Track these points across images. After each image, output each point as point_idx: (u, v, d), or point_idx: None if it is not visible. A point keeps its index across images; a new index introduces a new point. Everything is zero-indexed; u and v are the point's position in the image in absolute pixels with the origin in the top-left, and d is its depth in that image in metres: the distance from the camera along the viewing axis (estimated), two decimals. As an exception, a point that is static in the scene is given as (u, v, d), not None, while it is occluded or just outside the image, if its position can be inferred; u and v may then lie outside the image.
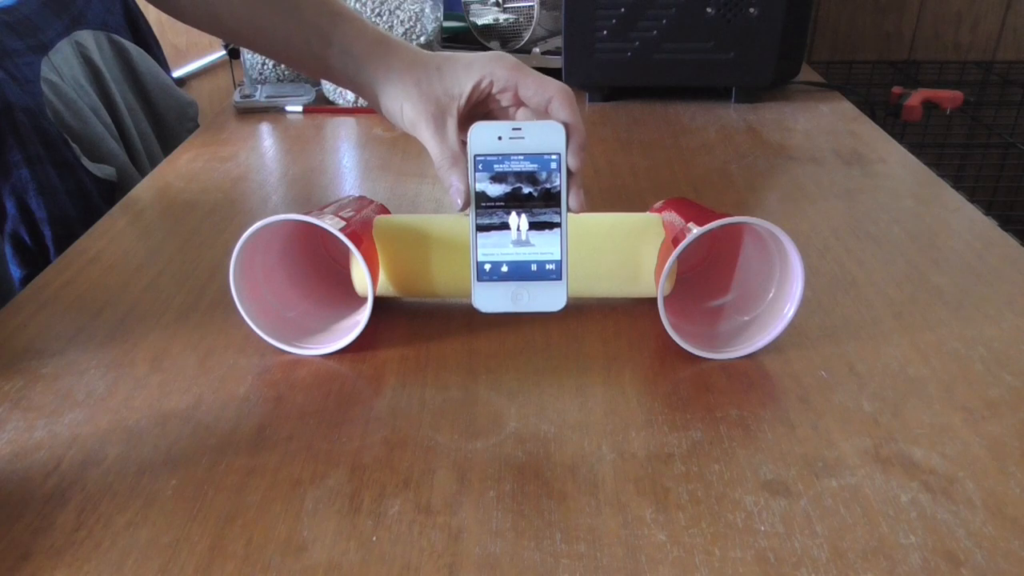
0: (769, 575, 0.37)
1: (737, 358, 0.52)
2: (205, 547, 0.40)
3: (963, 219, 0.71)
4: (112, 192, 0.94)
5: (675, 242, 0.51)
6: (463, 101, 0.53)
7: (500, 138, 0.50)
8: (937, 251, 0.66)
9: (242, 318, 0.53)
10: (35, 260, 0.88)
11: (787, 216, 0.73)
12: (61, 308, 0.61)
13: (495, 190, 0.50)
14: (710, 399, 0.49)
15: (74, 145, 0.90)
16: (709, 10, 0.99)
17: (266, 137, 0.98)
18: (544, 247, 0.50)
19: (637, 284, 0.56)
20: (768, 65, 1.02)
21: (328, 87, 1.08)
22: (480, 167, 0.50)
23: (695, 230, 0.50)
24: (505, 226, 0.50)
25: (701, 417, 0.48)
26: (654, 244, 0.56)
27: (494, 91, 0.54)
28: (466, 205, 0.51)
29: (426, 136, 0.54)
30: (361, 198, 0.64)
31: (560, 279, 0.51)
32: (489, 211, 0.50)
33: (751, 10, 0.98)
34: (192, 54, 1.55)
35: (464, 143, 0.52)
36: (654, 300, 0.53)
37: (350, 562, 0.39)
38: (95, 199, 0.89)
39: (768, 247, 0.54)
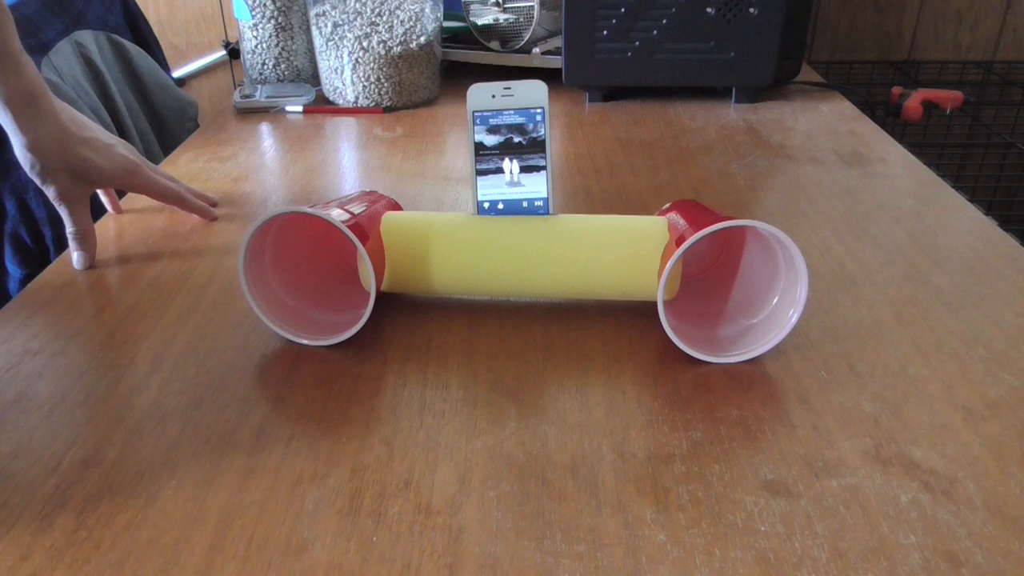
0: (769, 575, 0.37)
1: (739, 362, 0.53)
2: (205, 547, 0.40)
3: (963, 219, 0.71)
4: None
5: (678, 245, 0.51)
6: (92, 187, 0.68)
7: (494, 96, 0.56)
8: (937, 251, 0.66)
9: (245, 311, 0.53)
10: (35, 260, 0.88)
11: (787, 216, 0.73)
12: (61, 308, 0.61)
13: (491, 140, 0.57)
14: (710, 399, 0.49)
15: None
16: (709, 10, 0.99)
17: (266, 137, 0.98)
18: (533, 186, 0.57)
19: (642, 288, 0.56)
20: (768, 65, 1.02)
21: (328, 87, 1.08)
22: (478, 121, 0.57)
23: (695, 234, 0.49)
24: (500, 170, 0.57)
25: (701, 417, 0.48)
26: (659, 247, 0.55)
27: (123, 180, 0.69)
28: (87, 265, 0.66)
29: (71, 208, 0.66)
30: (373, 193, 0.64)
31: (548, 213, 0.58)
32: (486, 158, 0.57)
33: (751, 10, 0.98)
34: (192, 54, 1.55)
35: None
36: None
37: (350, 562, 0.39)
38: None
39: (772, 251, 0.54)
